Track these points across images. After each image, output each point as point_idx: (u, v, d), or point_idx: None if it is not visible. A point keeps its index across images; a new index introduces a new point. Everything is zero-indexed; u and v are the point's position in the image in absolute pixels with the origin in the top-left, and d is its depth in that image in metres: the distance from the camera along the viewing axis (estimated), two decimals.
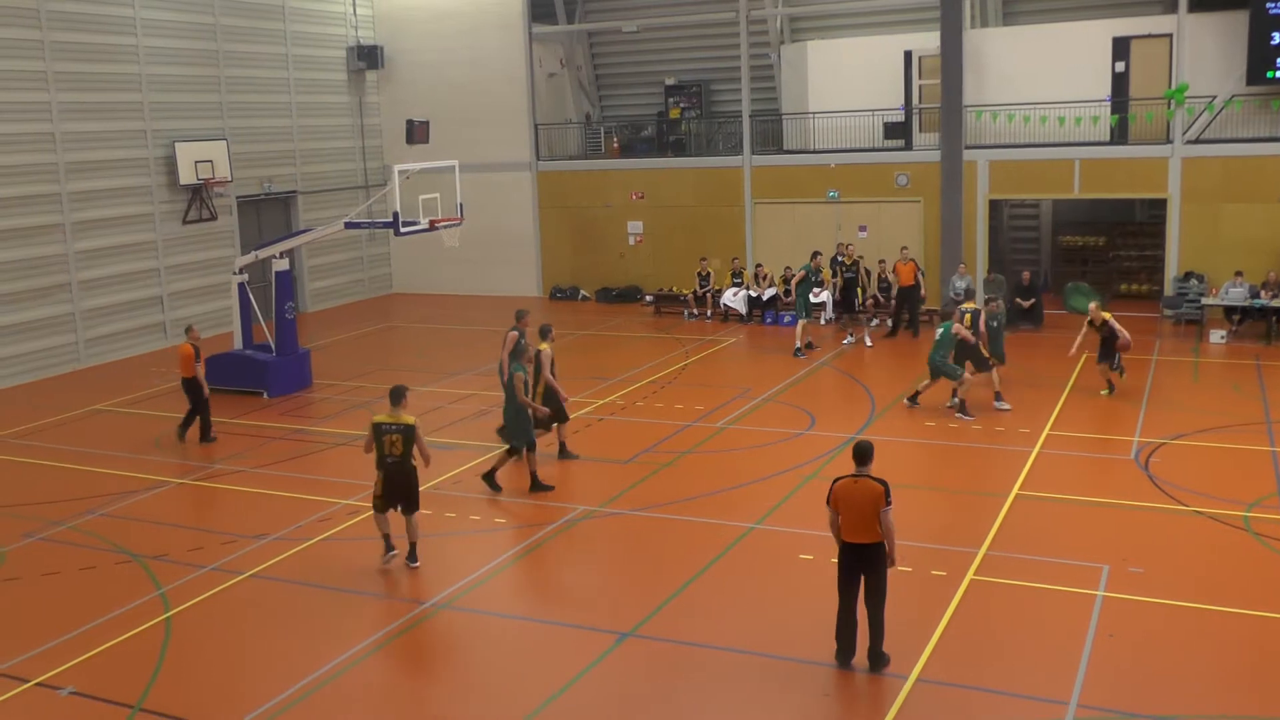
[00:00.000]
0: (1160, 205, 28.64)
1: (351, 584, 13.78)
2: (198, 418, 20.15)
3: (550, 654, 11.92)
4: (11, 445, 20.55)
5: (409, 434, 13.87)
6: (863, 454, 11.13)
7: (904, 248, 29.00)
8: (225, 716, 10.71)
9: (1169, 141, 27.69)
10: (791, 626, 12.10)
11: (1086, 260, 32.18)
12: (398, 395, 13.91)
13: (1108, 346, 20.72)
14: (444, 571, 14.06)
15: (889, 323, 27.60)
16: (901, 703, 10.46)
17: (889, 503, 10.87)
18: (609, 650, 11.78)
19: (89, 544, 15.55)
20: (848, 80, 31.35)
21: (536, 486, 16.74)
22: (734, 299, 30.03)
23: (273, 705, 10.86)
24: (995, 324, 21.63)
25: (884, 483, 10.95)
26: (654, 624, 12.32)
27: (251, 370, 23.60)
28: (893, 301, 27.64)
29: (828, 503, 11.15)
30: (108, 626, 12.77)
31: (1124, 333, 20.57)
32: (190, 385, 19.93)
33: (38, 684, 11.51)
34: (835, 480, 11.15)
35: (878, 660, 11.09)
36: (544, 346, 17.89)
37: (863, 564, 11.00)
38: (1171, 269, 28.03)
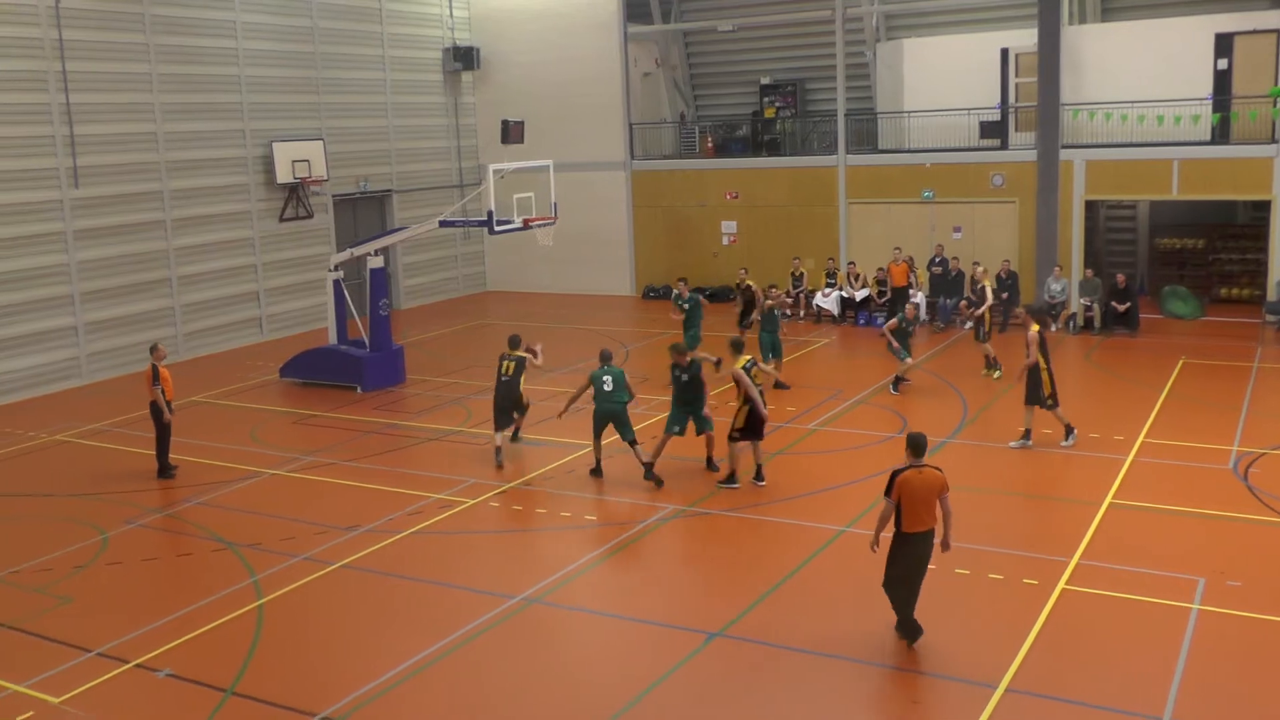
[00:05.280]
0: (1263, 207, 27.93)
1: (441, 577, 13.95)
2: (167, 445, 18.44)
3: (638, 652, 11.96)
4: (113, 434, 21.09)
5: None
6: (920, 446, 11.44)
7: (897, 248, 28.85)
8: (316, 703, 10.90)
9: (1273, 141, 26.96)
10: (881, 631, 11.99)
11: (1184, 263, 31.41)
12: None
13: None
14: (533, 566, 14.18)
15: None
16: (990, 712, 10.33)
17: (948, 488, 11.44)
18: (697, 650, 11.78)
19: (186, 531, 15.94)
20: (944, 78, 31.04)
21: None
22: (826, 300, 29.87)
23: (361, 694, 11.04)
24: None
25: (941, 470, 11.51)
26: (743, 624, 12.31)
27: (346, 365, 23.97)
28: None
29: (887, 494, 11.36)
30: (203, 611, 13.08)
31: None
32: (151, 409, 18.32)
33: (137, 665, 11.84)
34: (896, 471, 11.36)
35: (913, 630, 11.60)
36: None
37: (922, 551, 11.44)
38: (1275, 273, 27.28)
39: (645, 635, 12.32)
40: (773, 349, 22.44)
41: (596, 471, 17.92)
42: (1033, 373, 18.05)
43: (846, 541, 14.59)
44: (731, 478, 16.83)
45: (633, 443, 17.37)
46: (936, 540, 11.59)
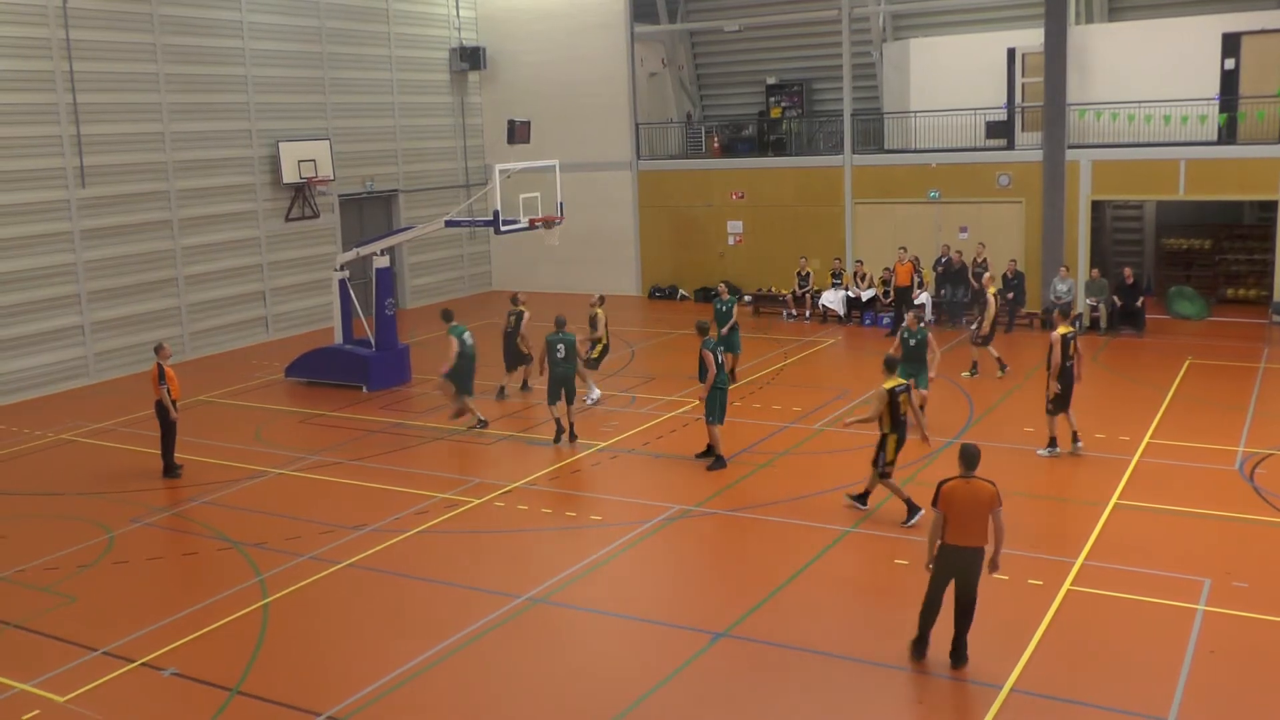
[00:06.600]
0: (1270, 207, 27.86)
1: (447, 576, 13.97)
2: (172, 444, 18.43)
3: (642, 652, 11.97)
4: (119, 433, 21.12)
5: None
6: (971, 458, 11.01)
7: (902, 248, 28.72)
8: (321, 702, 10.91)
9: None
10: (886, 632, 12.01)
11: (1191, 264, 31.35)
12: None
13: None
14: (538, 566, 14.18)
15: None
16: (995, 712, 10.33)
17: (1000, 503, 10.84)
18: (703, 650, 11.79)
19: (192, 530, 15.97)
20: (950, 78, 31.02)
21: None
22: (833, 300, 29.84)
23: (367, 693, 11.05)
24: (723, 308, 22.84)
25: (994, 484, 10.91)
26: (748, 625, 12.31)
27: (352, 365, 23.99)
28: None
29: (934, 504, 10.96)
30: (209, 611, 13.11)
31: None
32: (156, 409, 18.30)
33: (142, 664, 11.86)
34: (943, 482, 10.98)
35: (961, 654, 11.12)
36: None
37: (963, 566, 10.91)
38: None
39: (650, 635, 12.33)
40: (725, 344, 22.29)
41: (558, 439, 19.15)
42: (1063, 377, 17.40)
43: (852, 542, 14.59)
44: (911, 509, 14.98)
45: (569, 402, 19.33)
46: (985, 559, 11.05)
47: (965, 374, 22.96)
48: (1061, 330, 17.68)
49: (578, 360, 19.90)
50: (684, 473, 17.61)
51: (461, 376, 20.15)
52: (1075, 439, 17.78)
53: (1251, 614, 12.12)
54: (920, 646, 11.29)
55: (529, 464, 18.38)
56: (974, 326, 23.58)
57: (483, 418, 20.38)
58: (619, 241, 35.87)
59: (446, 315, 20.96)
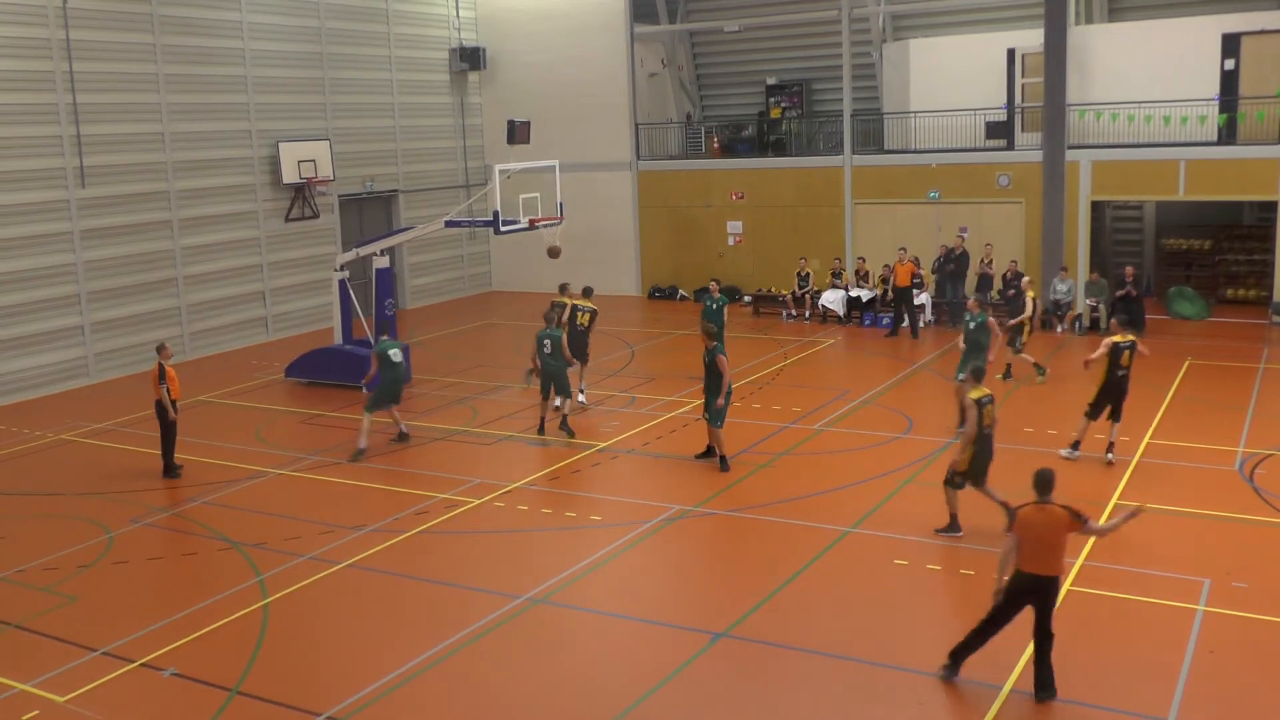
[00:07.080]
0: (1270, 208, 27.86)
1: (447, 577, 13.96)
2: (172, 444, 18.42)
3: (642, 652, 11.96)
4: (119, 434, 21.12)
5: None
6: (1046, 483, 10.69)
7: (902, 249, 28.65)
8: (321, 703, 10.91)
9: None
10: (886, 633, 12.02)
11: (1190, 264, 31.36)
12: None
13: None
14: (538, 566, 14.17)
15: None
16: (995, 713, 10.33)
17: (1084, 520, 10.50)
18: (702, 650, 11.78)
19: (191, 530, 15.97)
20: (950, 79, 31.01)
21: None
22: (832, 300, 29.82)
23: (366, 694, 11.04)
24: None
25: (1068, 508, 10.56)
26: (748, 625, 12.31)
27: (351, 365, 23.96)
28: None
29: (1009, 529, 10.64)
30: (208, 611, 13.10)
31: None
32: (156, 408, 18.30)
33: (142, 664, 11.86)
34: (1018, 507, 10.71)
35: (1049, 689, 10.61)
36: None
37: (1035, 595, 10.53)
38: None
39: (650, 635, 12.32)
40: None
41: (541, 430, 19.56)
42: (1106, 385, 17.17)
43: (852, 542, 14.58)
44: (953, 524, 14.58)
45: (565, 398, 19.65)
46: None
47: (1039, 379, 22.57)
48: (1115, 338, 17.23)
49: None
50: (684, 473, 17.61)
51: (380, 393, 19.52)
52: (1110, 449, 17.42)
53: (1251, 614, 12.12)
54: (951, 670, 10.93)
55: (529, 464, 18.38)
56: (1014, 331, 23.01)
57: (363, 447, 19.10)
58: (619, 242, 35.85)
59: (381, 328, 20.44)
